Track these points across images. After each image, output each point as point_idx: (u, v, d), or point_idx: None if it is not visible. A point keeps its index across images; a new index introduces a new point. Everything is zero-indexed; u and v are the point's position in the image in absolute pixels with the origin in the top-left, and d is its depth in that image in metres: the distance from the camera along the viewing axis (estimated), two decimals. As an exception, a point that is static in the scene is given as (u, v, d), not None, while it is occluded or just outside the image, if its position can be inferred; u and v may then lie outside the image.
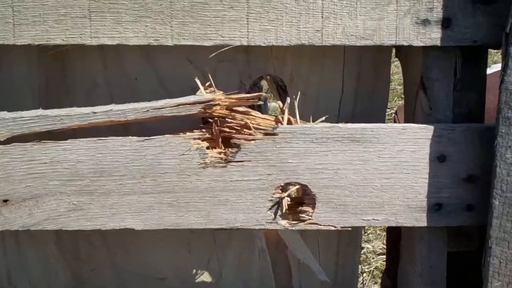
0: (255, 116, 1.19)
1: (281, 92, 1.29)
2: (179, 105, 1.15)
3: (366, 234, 3.36)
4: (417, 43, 1.16)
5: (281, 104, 1.25)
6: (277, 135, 1.18)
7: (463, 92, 1.22)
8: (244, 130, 1.18)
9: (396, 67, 3.85)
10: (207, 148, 1.19)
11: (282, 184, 1.20)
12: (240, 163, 1.19)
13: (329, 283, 1.40)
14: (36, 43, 1.13)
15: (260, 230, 1.36)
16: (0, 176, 1.17)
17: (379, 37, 1.15)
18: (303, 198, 1.23)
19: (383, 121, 1.32)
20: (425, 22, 1.15)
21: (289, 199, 1.25)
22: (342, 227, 1.22)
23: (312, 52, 1.26)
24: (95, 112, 1.14)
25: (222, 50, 1.15)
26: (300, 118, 1.22)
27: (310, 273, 1.39)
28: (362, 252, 3.22)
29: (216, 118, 1.18)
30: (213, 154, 1.19)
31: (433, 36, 1.15)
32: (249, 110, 1.20)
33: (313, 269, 1.37)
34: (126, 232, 1.27)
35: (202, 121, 1.23)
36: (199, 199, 1.20)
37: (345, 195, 1.21)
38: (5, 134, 1.15)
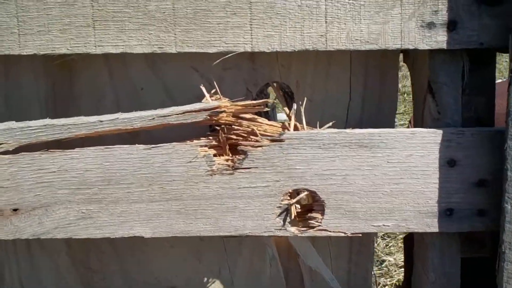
0: (261, 123, 1.18)
1: (288, 99, 1.27)
2: (185, 112, 1.14)
3: (388, 246, 3.31)
4: (423, 46, 1.14)
5: (287, 111, 1.24)
6: (284, 141, 1.16)
7: (471, 96, 1.20)
8: (251, 137, 1.17)
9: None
10: (214, 155, 1.17)
11: (290, 191, 1.18)
12: (247, 170, 1.17)
13: (341, 290, 1.37)
14: (41, 52, 1.14)
15: (270, 238, 1.34)
16: (9, 185, 1.17)
17: (384, 41, 1.13)
18: (312, 205, 1.21)
19: (392, 127, 1.29)
20: (430, 25, 1.13)
21: (298, 206, 1.23)
22: (352, 233, 1.19)
23: (318, 58, 1.24)
24: (101, 121, 1.14)
25: (227, 56, 1.14)
26: (308, 125, 1.20)
27: (323, 281, 1.36)
28: (383, 265, 3.17)
29: (222, 125, 1.17)
30: (220, 161, 1.17)
31: (439, 39, 1.13)
32: (256, 117, 1.18)
33: (325, 277, 1.34)
34: (136, 241, 1.26)
35: (209, 128, 1.21)
36: (207, 206, 1.19)
37: (354, 201, 1.18)
38: (13, 144, 1.15)
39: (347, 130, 1.17)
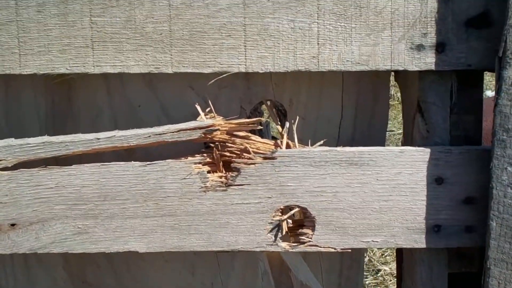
0: (254, 141, 1.20)
1: (281, 117, 1.30)
2: (180, 130, 1.16)
3: (384, 256, 3.33)
4: (412, 67, 1.16)
5: (280, 129, 1.26)
6: (276, 159, 1.18)
7: (460, 115, 1.22)
8: (244, 154, 1.19)
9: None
10: (208, 172, 1.19)
11: (282, 207, 1.20)
12: (240, 187, 1.19)
13: (332, 305, 1.39)
14: (41, 72, 1.15)
15: (262, 253, 1.35)
16: (8, 200, 1.18)
17: (374, 62, 1.15)
18: (303, 221, 1.22)
19: (383, 144, 1.31)
20: (420, 47, 1.15)
21: (290, 221, 1.24)
22: (342, 249, 1.21)
23: (311, 78, 1.26)
24: (98, 138, 1.16)
25: (221, 77, 1.16)
26: (300, 142, 1.22)
27: None
28: (379, 274, 3.19)
29: (217, 143, 1.19)
30: (214, 178, 1.19)
31: (428, 60, 1.15)
32: (249, 134, 1.20)
33: None
34: (131, 256, 1.28)
35: (204, 145, 1.23)
36: (200, 222, 1.20)
37: (344, 217, 1.20)
38: (12, 160, 1.17)
39: (338, 148, 1.19)
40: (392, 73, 1.32)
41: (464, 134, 1.22)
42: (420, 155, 1.18)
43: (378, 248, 3.32)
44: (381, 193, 1.19)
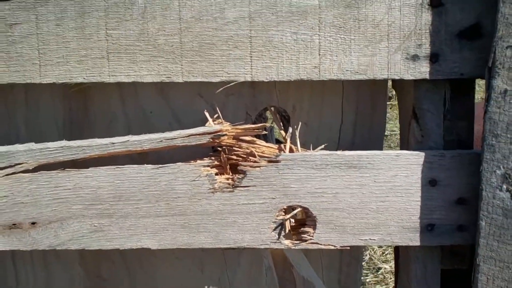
0: (259, 145, 1.24)
1: (285, 122, 1.34)
2: (189, 135, 1.21)
3: (384, 254, 3.36)
4: (407, 76, 1.20)
5: (284, 134, 1.31)
6: (280, 162, 1.23)
7: (453, 121, 1.26)
8: (250, 157, 1.24)
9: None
10: (216, 174, 1.24)
11: (285, 207, 1.25)
12: (246, 188, 1.24)
13: (332, 300, 1.44)
14: (60, 81, 1.20)
15: (266, 250, 1.40)
16: (29, 201, 1.23)
17: (372, 71, 1.20)
18: (305, 220, 1.27)
19: (380, 148, 1.36)
20: (415, 58, 1.20)
21: (293, 221, 1.30)
22: (341, 246, 1.26)
23: (313, 86, 1.31)
24: (113, 143, 1.21)
25: (228, 85, 1.21)
26: (303, 147, 1.27)
27: None
28: (379, 272, 3.22)
29: (224, 147, 1.24)
30: (221, 179, 1.24)
31: (423, 70, 1.20)
32: (255, 139, 1.25)
33: (316, 286, 1.40)
34: (144, 252, 1.32)
35: (212, 149, 1.28)
36: (208, 221, 1.25)
37: (343, 217, 1.25)
38: (33, 163, 1.21)
39: (338, 152, 1.24)
40: (390, 80, 1.37)
41: (457, 139, 1.26)
42: (415, 159, 1.23)
43: (378, 247, 3.35)
44: (378, 194, 1.24)
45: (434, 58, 1.20)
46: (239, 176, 1.24)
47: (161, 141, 1.21)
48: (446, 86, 1.24)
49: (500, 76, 1.14)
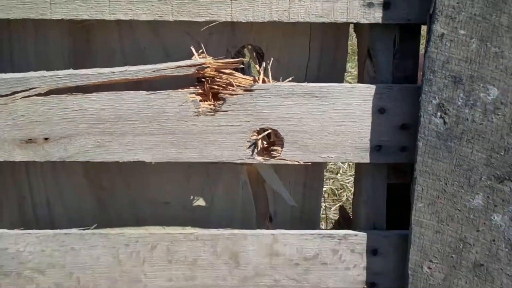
0: (237, 77, 1.39)
1: (260, 59, 1.47)
2: (178, 67, 1.35)
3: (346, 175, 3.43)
4: (363, 21, 1.34)
5: (258, 68, 1.48)
6: (254, 91, 1.38)
7: (401, 60, 1.40)
8: (229, 87, 1.37)
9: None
10: (200, 100, 1.37)
11: (258, 129, 1.39)
12: (225, 112, 1.38)
13: (297, 208, 1.59)
14: (67, 18, 1.31)
15: (243, 166, 1.54)
16: (42, 120, 1.37)
17: (333, 15, 1.34)
18: (274, 140, 1.43)
19: (341, 82, 1.53)
20: (370, 5, 1.34)
21: (265, 142, 1.47)
22: (304, 162, 1.42)
23: (284, 28, 1.43)
24: (113, 72, 1.34)
25: (211, 25, 1.34)
26: (274, 79, 1.42)
27: (283, 202, 1.56)
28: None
29: (207, 78, 1.38)
30: (205, 105, 1.39)
31: (376, 15, 1.34)
32: (233, 72, 1.38)
33: (284, 198, 1.56)
34: (138, 166, 1.47)
35: (197, 80, 1.41)
36: (194, 139, 1.40)
37: (306, 138, 1.40)
38: (45, 88, 1.34)
39: (303, 84, 1.38)
40: (352, 25, 1.54)
41: (404, 75, 1.41)
42: (367, 90, 1.38)
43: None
44: (336, 120, 1.39)
45: (386, 5, 1.33)
46: (219, 102, 1.37)
47: (154, 71, 1.36)
48: (396, 30, 1.38)
49: (439, 22, 1.30)
